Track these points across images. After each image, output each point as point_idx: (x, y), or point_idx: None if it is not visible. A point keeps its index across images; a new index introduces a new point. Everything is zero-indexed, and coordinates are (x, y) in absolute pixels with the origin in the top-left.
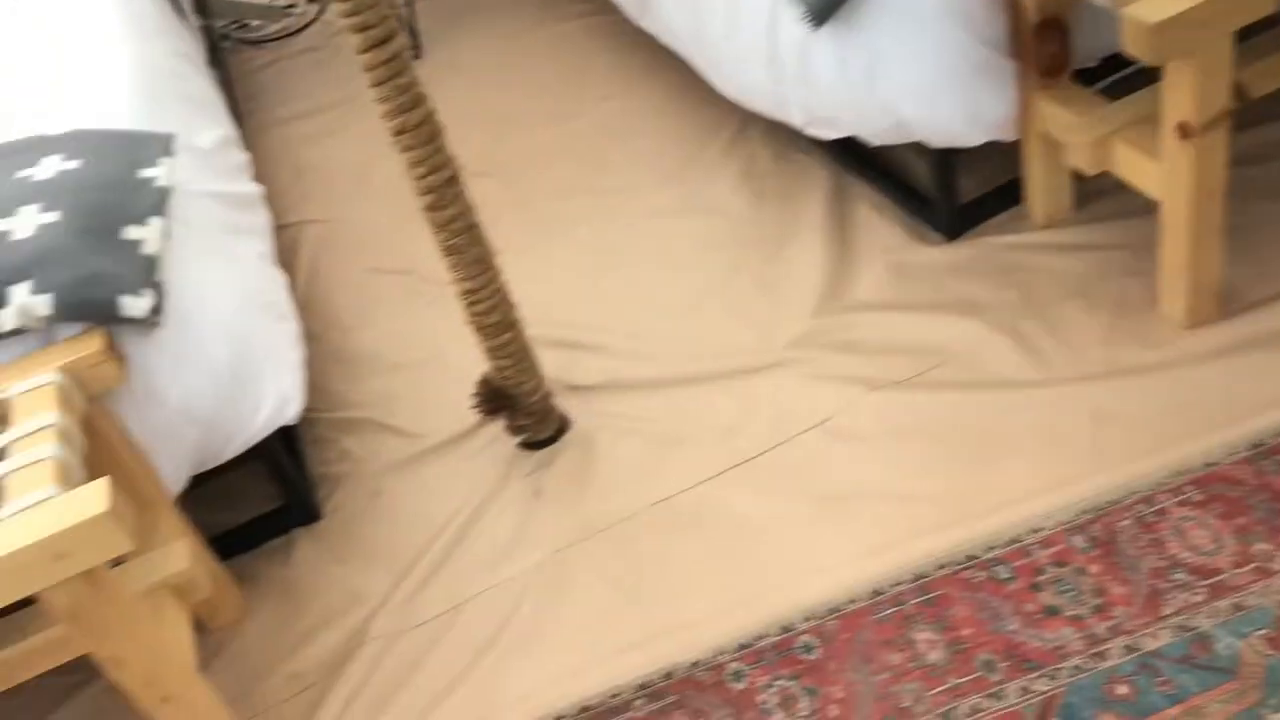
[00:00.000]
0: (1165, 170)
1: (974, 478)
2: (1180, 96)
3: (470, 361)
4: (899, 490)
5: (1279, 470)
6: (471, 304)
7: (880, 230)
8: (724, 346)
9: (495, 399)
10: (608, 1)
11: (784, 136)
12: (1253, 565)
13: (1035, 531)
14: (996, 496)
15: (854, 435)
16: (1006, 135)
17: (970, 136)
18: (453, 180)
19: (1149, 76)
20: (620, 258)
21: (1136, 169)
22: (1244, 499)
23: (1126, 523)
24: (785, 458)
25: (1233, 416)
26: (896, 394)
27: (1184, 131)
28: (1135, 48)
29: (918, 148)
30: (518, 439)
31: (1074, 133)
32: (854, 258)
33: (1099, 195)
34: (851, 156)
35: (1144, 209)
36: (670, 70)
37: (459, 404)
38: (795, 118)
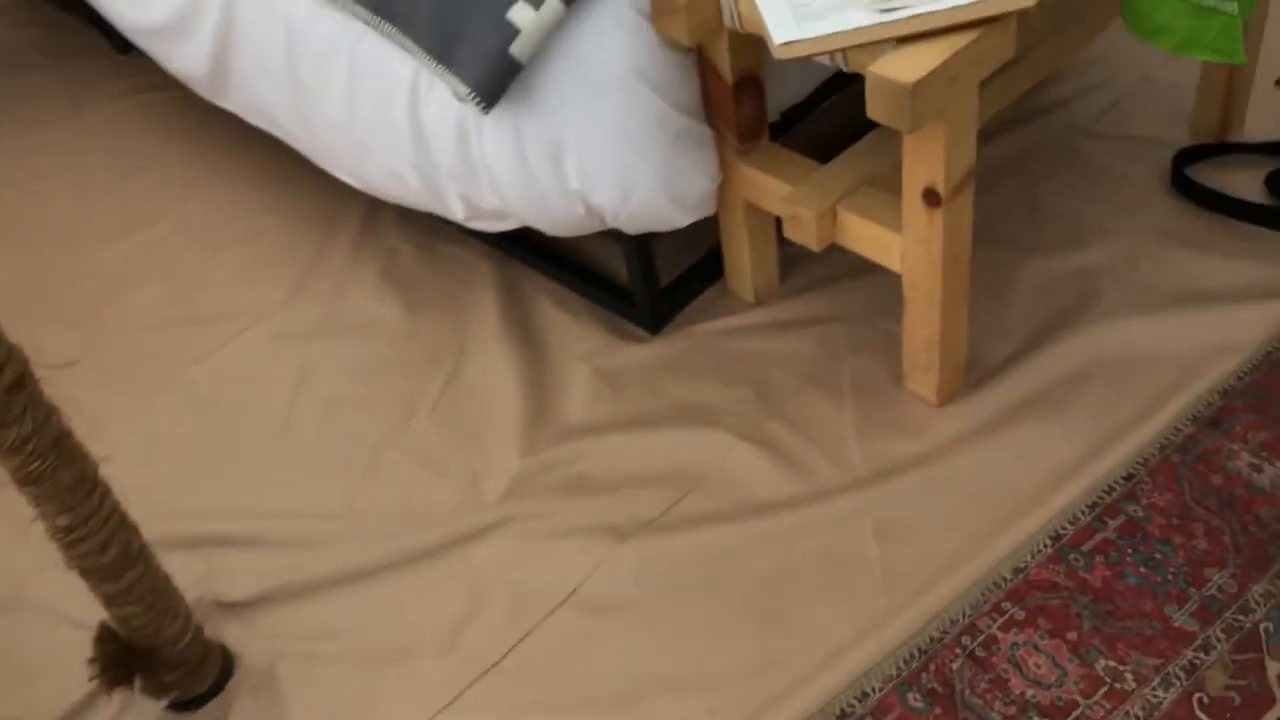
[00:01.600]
0: (910, 241)
1: (771, 639)
2: (927, 161)
3: (62, 596)
4: (689, 674)
5: (1087, 563)
6: (72, 544)
7: (572, 331)
8: (420, 511)
9: (125, 659)
10: (166, 75)
11: (426, 221)
12: (1103, 690)
13: (863, 698)
14: (804, 661)
15: (614, 605)
16: (710, 211)
17: (674, 219)
18: (19, 384)
19: (837, 126)
20: (252, 405)
21: (873, 242)
22: (1067, 607)
23: (958, 663)
24: (537, 652)
25: (1020, 505)
26: (650, 540)
27: (931, 199)
28: (888, 114)
29: (607, 232)
30: (164, 701)
31: (793, 205)
32: (551, 370)
33: (801, 261)
34: (520, 243)
35: (850, 271)
36: (263, 150)
37: (57, 667)
38: (455, 212)
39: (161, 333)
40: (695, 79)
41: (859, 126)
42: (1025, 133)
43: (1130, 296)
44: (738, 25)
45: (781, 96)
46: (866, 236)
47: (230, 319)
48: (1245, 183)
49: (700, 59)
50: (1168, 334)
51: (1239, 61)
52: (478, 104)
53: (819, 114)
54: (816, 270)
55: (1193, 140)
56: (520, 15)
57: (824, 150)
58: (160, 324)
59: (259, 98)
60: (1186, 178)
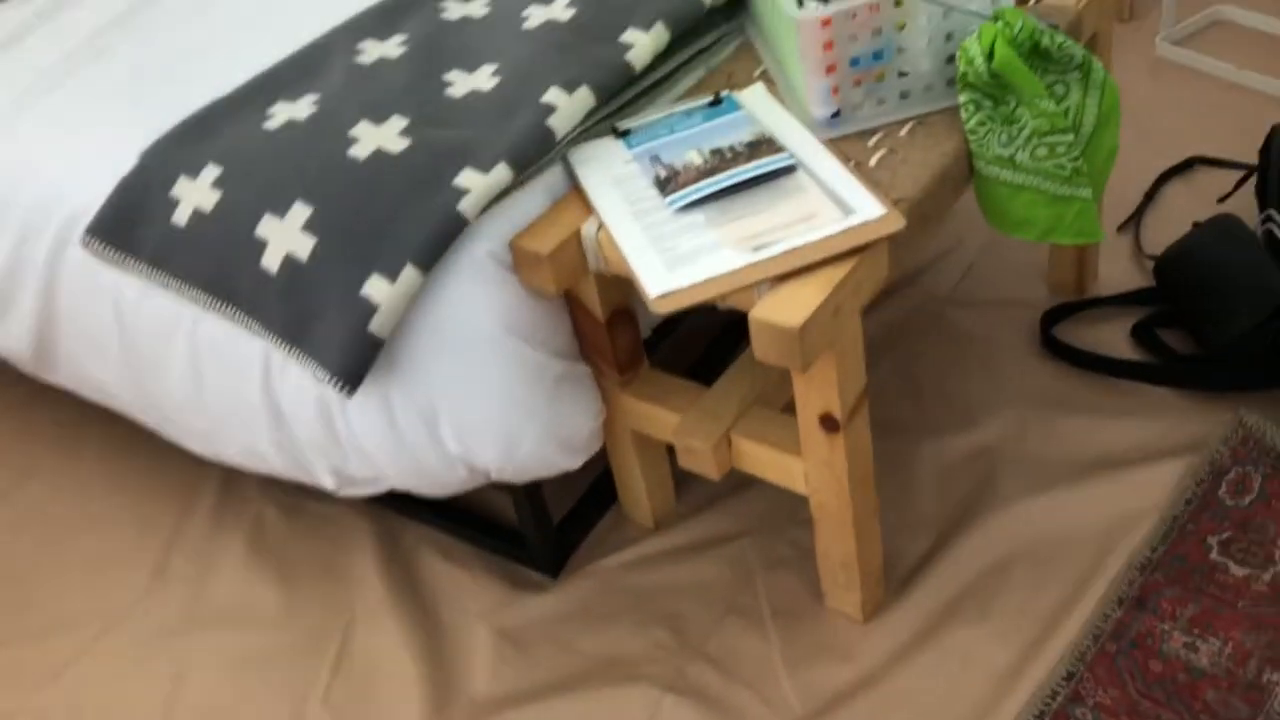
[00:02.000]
0: (812, 464)
1: None
2: (820, 391)
3: None
4: None
5: None
6: None
7: (465, 587)
8: None
9: None
10: None
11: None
12: None
13: None
14: None
15: None
16: (598, 447)
17: (563, 464)
18: None
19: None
20: None
21: (774, 467)
22: None
23: None
24: None
25: None
26: None
27: (829, 425)
28: (778, 356)
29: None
30: None
31: (686, 437)
32: (448, 636)
33: (696, 476)
34: (396, 494)
35: (747, 480)
36: (104, 420)
37: None
38: (324, 483)
39: (3, 652)
40: (567, 320)
41: (731, 327)
42: (889, 309)
43: (1028, 474)
44: (604, 268)
45: (653, 316)
46: (766, 461)
47: (83, 624)
48: (1112, 335)
49: (569, 300)
50: (1073, 510)
51: (1098, 239)
52: (339, 388)
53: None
54: (713, 484)
55: (1053, 298)
56: (376, 289)
57: (697, 348)
58: (0, 641)
59: (92, 376)
60: (1055, 339)
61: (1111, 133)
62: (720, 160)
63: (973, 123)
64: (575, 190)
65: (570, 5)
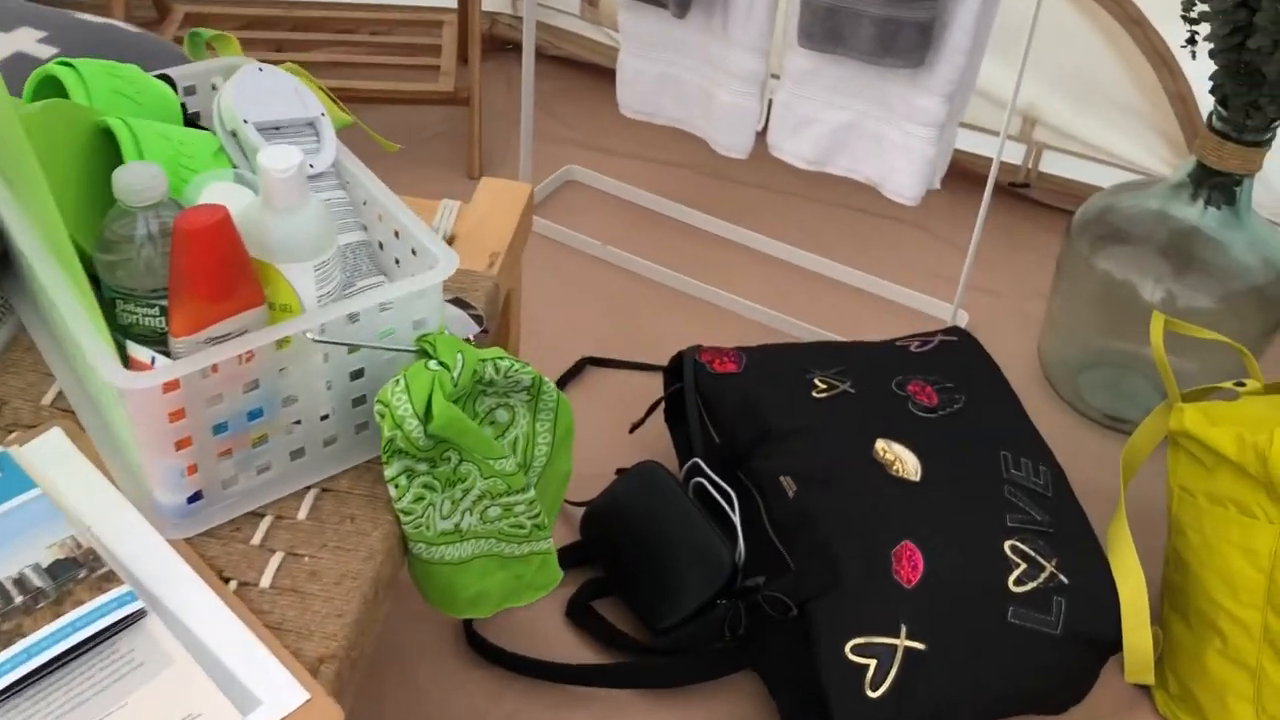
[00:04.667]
0: None
1: None
2: None
3: None
4: None
5: None
6: None
7: None
8: None
9: None
10: None
11: None
12: None
13: None
14: None
15: None
16: None
17: None
18: None
19: None
20: None
21: None
22: None
23: None
24: None
25: None
26: None
27: None
28: None
29: None
30: None
31: None
32: None
33: None
34: None
35: None
36: None
37: None
38: None
39: None
40: None
41: None
42: None
43: None
44: None
45: None
46: None
47: None
48: (544, 614)
49: None
50: None
51: (558, 580)
52: None
53: None
54: None
55: None
56: None
57: None
58: None
59: None
60: (483, 640)
61: (566, 456)
62: (5, 608)
63: (406, 501)
64: None
65: None
